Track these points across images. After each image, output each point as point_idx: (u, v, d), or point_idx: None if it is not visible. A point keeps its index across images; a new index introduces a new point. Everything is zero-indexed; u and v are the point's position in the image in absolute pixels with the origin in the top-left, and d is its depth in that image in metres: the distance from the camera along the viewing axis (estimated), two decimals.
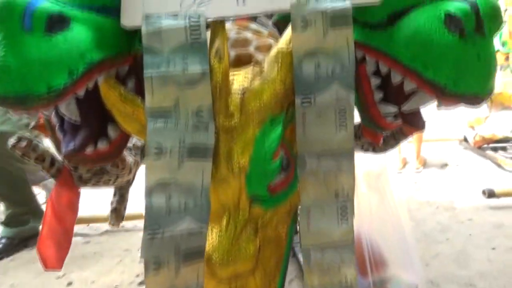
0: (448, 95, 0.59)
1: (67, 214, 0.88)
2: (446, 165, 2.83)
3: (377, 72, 0.69)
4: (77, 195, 0.90)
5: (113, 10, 0.62)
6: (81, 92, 0.59)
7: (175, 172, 0.54)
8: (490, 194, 2.08)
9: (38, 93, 0.52)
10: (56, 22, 0.54)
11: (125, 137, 0.72)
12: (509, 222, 1.88)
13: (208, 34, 0.61)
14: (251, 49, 0.69)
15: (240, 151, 0.57)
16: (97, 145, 0.68)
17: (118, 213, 1.08)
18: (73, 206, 0.89)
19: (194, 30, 0.56)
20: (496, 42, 2.35)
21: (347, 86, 0.59)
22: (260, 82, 0.59)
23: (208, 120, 0.56)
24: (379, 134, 0.81)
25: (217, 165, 0.57)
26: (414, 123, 0.71)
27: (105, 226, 2.11)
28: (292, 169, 0.61)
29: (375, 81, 0.70)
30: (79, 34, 0.56)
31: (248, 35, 0.70)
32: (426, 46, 0.59)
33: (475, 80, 0.59)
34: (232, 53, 0.68)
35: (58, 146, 0.71)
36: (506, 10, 2.49)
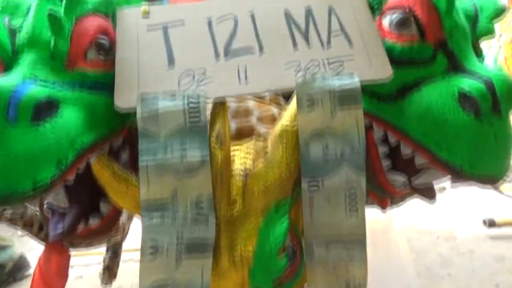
0: (464, 176, 0.56)
1: (56, 280, 0.82)
2: (444, 188, 2.80)
3: (385, 140, 0.66)
4: (67, 259, 0.84)
5: (106, 86, 0.58)
6: (71, 178, 0.55)
7: (172, 271, 0.50)
8: (491, 223, 2.06)
9: (22, 190, 0.48)
10: (44, 109, 0.50)
11: (118, 210, 0.67)
12: (511, 254, 1.86)
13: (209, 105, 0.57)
14: (253, 120, 0.65)
15: (243, 242, 0.53)
16: (88, 221, 0.64)
17: (110, 271, 1.02)
18: (63, 272, 0.83)
19: (193, 112, 0.53)
20: None
21: (358, 169, 0.55)
22: (263, 165, 0.55)
23: (208, 211, 0.52)
24: (386, 199, 0.77)
25: (218, 258, 0.53)
26: (424, 193, 0.68)
27: (99, 258, 2.04)
28: (299, 256, 0.57)
29: (382, 149, 0.66)
30: (68, 119, 0.52)
31: (250, 104, 0.66)
32: (439, 124, 0.56)
33: (492, 162, 0.56)
34: (233, 125, 0.64)
35: (46, 223, 0.67)
36: (500, 35, 2.49)
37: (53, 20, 0.53)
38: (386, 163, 0.67)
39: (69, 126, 0.52)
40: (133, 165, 0.64)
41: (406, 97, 0.59)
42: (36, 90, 0.50)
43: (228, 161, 0.54)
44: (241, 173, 0.56)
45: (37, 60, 0.54)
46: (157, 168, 0.51)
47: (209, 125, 0.54)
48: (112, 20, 0.62)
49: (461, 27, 0.59)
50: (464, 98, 0.54)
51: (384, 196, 0.74)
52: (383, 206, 0.78)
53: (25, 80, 0.51)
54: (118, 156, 0.64)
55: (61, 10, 0.56)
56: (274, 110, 0.67)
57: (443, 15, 0.58)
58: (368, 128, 0.66)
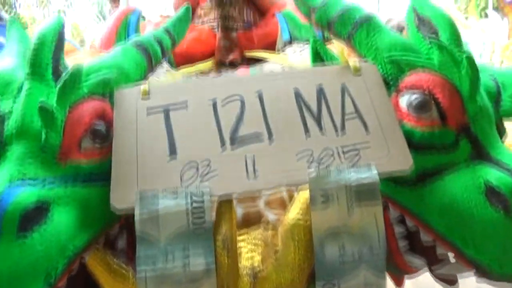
0: (492, 276, 0.52)
1: None
2: None
3: (402, 221, 0.61)
4: None
5: (102, 176, 0.53)
6: (62, 286, 0.49)
7: None
8: None
9: None
10: (32, 216, 0.45)
11: None
12: None
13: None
14: (260, 205, 0.60)
15: None
16: None
17: None
18: None
19: (196, 212, 0.48)
20: None
21: (377, 271, 0.51)
22: (273, 267, 0.51)
23: None
24: (402, 277, 0.72)
25: None
26: (444, 280, 0.63)
27: None
28: None
29: (399, 229, 0.62)
30: (59, 222, 0.47)
31: None
32: (465, 219, 0.52)
33: None
34: (239, 210, 0.59)
35: None
36: (502, 62, 2.50)
37: (45, 113, 0.49)
38: (403, 244, 0.62)
39: (60, 231, 0.47)
40: (131, 252, 0.59)
41: (426, 184, 0.55)
42: (24, 194, 0.45)
43: (235, 268, 0.49)
44: (249, 272, 0.52)
45: (26, 154, 0.50)
46: (156, 279, 0.46)
47: (214, 226, 0.49)
48: (110, 99, 0.58)
49: (485, 110, 0.55)
50: (491, 192, 0.51)
51: (400, 276, 0.69)
52: (398, 284, 0.73)
53: (12, 182, 0.46)
54: (115, 244, 0.59)
55: (53, 98, 0.51)
56: (284, 191, 0.62)
57: (466, 99, 0.54)
58: (384, 208, 0.62)
